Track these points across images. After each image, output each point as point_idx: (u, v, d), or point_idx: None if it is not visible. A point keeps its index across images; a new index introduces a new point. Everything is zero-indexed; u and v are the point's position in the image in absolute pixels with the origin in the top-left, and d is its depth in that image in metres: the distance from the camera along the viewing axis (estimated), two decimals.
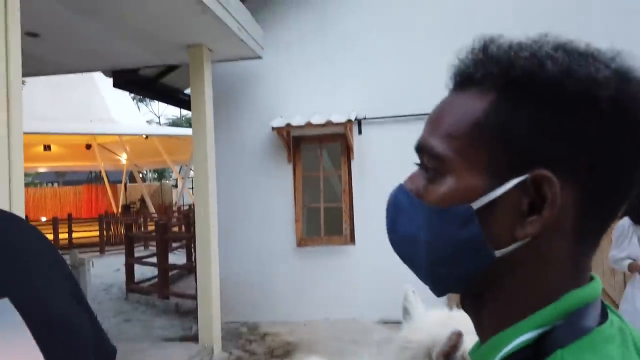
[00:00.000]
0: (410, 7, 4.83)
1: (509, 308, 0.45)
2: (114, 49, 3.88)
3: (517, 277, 0.44)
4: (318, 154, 5.07)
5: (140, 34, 3.58)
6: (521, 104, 0.42)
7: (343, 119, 4.59)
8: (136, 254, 7.23)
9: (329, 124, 4.55)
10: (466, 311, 0.50)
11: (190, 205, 15.95)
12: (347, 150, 4.90)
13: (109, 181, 17.75)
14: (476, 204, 0.43)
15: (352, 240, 4.93)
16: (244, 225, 5.07)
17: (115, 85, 4.91)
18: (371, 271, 4.82)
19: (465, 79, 0.47)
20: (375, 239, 4.84)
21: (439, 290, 0.50)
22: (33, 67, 4.05)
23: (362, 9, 4.93)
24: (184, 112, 29.92)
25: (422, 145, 0.49)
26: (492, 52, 0.46)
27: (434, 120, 0.49)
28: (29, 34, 3.28)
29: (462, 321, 0.75)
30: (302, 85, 5.00)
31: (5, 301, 0.61)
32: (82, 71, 4.68)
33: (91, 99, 14.63)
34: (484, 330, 0.47)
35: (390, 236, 0.54)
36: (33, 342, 0.62)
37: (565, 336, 0.40)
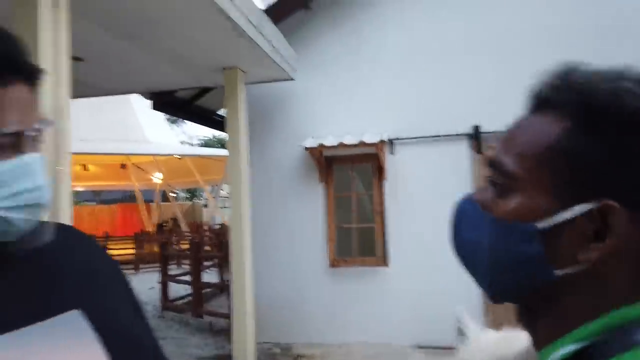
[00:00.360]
0: (443, 28, 4.83)
1: (562, 323, 0.46)
2: (152, 72, 4.00)
3: (574, 295, 0.46)
4: (350, 174, 5.07)
5: (178, 58, 3.68)
6: (596, 135, 0.44)
7: (375, 140, 4.58)
8: (170, 272, 7.33)
9: (361, 144, 4.54)
10: (521, 323, 0.52)
11: (221, 225, 16.14)
12: (380, 171, 4.87)
13: (143, 200, 18.17)
14: (540, 224, 0.45)
15: (385, 261, 4.86)
16: (276, 245, 5.07)
17: (154, 107, 5.06)
18: (405, 294, 4.73)
19: (544, 102, 0.49)
20: (410, 261, 4.76)
21: (495, 297, 0.52)
22: (76, 90, 4.21)
23: (395, 30, 4.95)
24: (216, 132, 30.57)
25: (494, 161, 0.51)
26: (573, 79, 0.47)
27: (508, 138, 0.50)
28: (74, 59, 3.42)
29: (521, 340, 0.72)
30: (334, 106, 5.02)
31: (78, 313, 0.65)
32: (121, 93, 4.84)
33: (127, 120, 15.10)
34: (539, 343, 0.49)
35: (453, 240, 0.56)
36: (101, 351, 0.64)
37: (609, 349, 0.41)
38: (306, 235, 5.01)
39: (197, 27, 3.09)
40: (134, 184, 17.21)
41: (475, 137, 4.61)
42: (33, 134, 0.61)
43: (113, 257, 0.89)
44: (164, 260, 7.05)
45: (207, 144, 27.81)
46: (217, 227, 15.84)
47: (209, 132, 31.16)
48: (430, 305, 4.62)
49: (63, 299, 0.66)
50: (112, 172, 16.57)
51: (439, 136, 4.68)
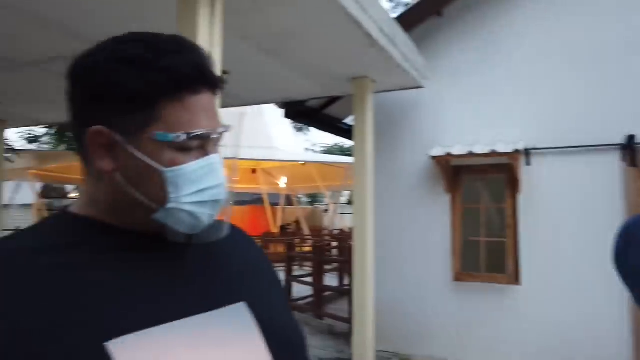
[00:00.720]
0: (580, 32, 4.40)
1: None
2: (287, 83, 4.24)
3: None
4: (479, 185, 4.83)
5: (311, 69, 3.85)
6: None
7: (509, 149, 4.32)
8: (293, 273, 7.66)
9: (493, 154, 4.31)
10: None
11: (339, 230, 16.44)
12: (513, 183, 4.57)
13: (269, 203, 19.27)
14: None
15: (517, 279, 4.54)
16: (399, 253, 5.02)
17: (286, 115, 5.35)
18: (538, 315, 4.37)
19: None
20: (546, 281, 4.38)
21: None
22: (222, 100, 4.64)
23: (530, 35, 4.63)
24: (338, 140, 31.31)
25: None
26: None
27: None
28: (222, 72, 3.77)
29: None
30: (464, 114, 4.84)
31: (243, 305, 0.71)
32: (257, 104, 5.20)
33: (258, 128, 16.18)
34: None
35: (619, 266, 0.54)
36: (264, 345, 0.69)
37: None
38: (430, 246, 4.88)
39: (332, 39, 3.21)
40: (262, 188, 18.36)
41: (629, 148, 4.10)
42: (216, 137, 0.68)
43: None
44: (289, 261, 7.38)
45: (329, 151, 28.61)
46: (337, 232, 16.18)
47: (331, 140, 32.04)
48: (568, 332, 4.20)
49: (231, 290, 0.72)
50: (245, 177, 17.87)
51: (584, 146, 4.25)
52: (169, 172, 0.64)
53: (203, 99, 0.66)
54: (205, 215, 0.67)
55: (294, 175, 16.40)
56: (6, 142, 7.76)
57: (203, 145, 0.66)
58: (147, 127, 0.63)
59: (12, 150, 8.58)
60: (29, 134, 16.03)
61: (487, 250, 4.73)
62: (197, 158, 0.66)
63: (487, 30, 4.81)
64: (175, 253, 0.70)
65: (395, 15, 4.44)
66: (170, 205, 0.65)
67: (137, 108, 0.63)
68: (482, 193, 4.81)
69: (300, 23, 2.96)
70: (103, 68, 0.63)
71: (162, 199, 0.65)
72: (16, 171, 12.16)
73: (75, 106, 0.67)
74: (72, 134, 0.68)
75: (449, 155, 4.48)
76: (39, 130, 14.77)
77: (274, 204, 19.88)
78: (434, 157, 4.58)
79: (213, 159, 0.67)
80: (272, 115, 14.81)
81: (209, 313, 0.66)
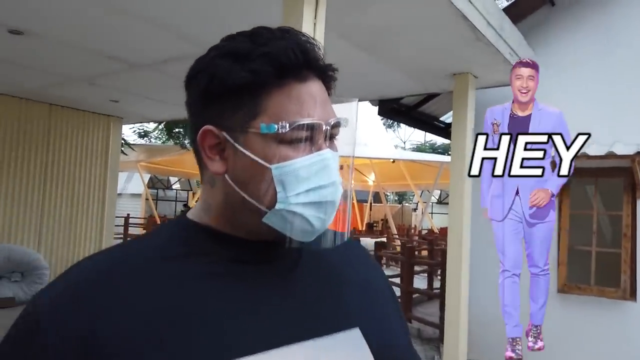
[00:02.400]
0: None
1: None
2: (384, 80, 4.17)
3: None
4: (590, 189, 4.41)
5: (410, 65, 3.75)
6: None
7: (630, 151, 3.88)
8: None
9: (610, 155, 3.90)
10: None
11: (428, 230, 16.01)
12: (633, 188, 4.10)
13: (356, 200, 19.31)
14: None
15: (632, 295, 4.08)
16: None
17: (380, 113, 5.28)
18: None
19: None
20: None
21: None
22: None
23: None
24: (428, 138, 30.54)
25: None
26: None
27: None
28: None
29: None
30: (576, 112, 4.43)
31: (357, 331, 0.65)
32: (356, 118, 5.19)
33: (350, 124, 16.18)
34: None
35: None
36: None
37: None
38: None
39: (433, 33, 3.09)
40: (349, 184, 18.39)
41: None
42: (327, 128, 0.62)
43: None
44: (378, 260, 7.32)
45: (419, 148, 27.99)
46: (425, 231, 15.79)
47: (421, 137, 31.32)
48: None
49: (345, 314, 0.66)
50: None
51: None
52: (276, 169, 0.59)
53: (311, 87, 0.61)
54: (316, 219, 0.61)
55: (382, 172, 16.26)
56: (122, 136, 8.54)
57: (315, 139, 0.61)
58: (253, 121, 0.60)
59: (126, 144, 9.42)
60: (140, 129, 17.54)
61: (598, 261, 4.30)
62: (308, 153, 0.61)
63: (606, 19, 4.36)
64: (287, 267, 0.66)
65: (503, 6, 4.18)
66: (278, 206, 0.60)
67: (242, 102, 0.60)
68: (595, 198, 4.38)
69: (401, 17, 2.88)
70: (209, 65, 0.61)
71: (270, 199, 0.60)
72: (128, 163, 13.37)
73: (190, 111, 0.66)
74: (192, 147, 0.66)
75: None
76: (149, 125, 16.04)
77: (361, 201, 19.88)
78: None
79: (325, 154, 0.61)
80: (364, 111, 14.76)
81: (322, 338, 0.61)
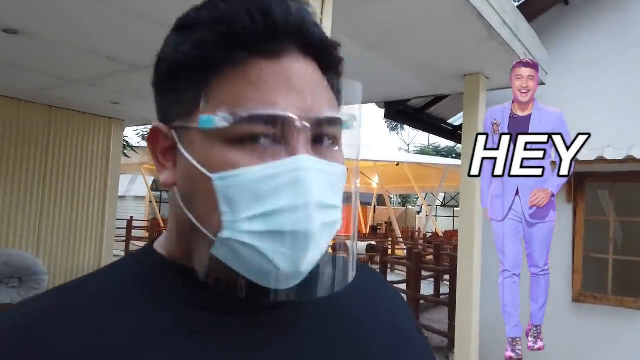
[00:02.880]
0: None
1: None
2: (392, 81, 4.04)
3: None
4: (606, 195, 4.26)
5: (419, 65, 3.62)
6: None
7: None
8: (387, 278, 7.44)
9: (629, 159, 3.75)
10: None
11: (433, 233, 15.88)
12: None
13: (360, 203, 19.18)
14: None
15: None
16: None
17: (386, 115, 5.15)
18: None
19: None
20: None
21: None
22: None
23: None
24: (432, 140, 30.41)
25: None
26: None
27: None
28: None
29: None
30: (591, 114, 4.28)
31: None
32: (359, 103, 5.05)
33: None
34: None
35: None
36: None
37: None
38: None
39: (445, 31, 2.95)
40: (352, 187, 18.27)
41: None
42: (308, 126, 0.43)
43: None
44: (383, 266, 7.17)
45: (423, 151, 27.85)
46: (430, 234, 15.65)
47: (425, 140, 31.18)
48: None
49: None
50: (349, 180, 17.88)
51: None
52: (218, 179, 0.41)
53: (285, 65, 0.43)
54: (281, 256, 0.41)
55: (386, 174, 16.14)
56: (125, 138, 8.46)
57: (287, 139, 0.42)
58: (194, 112, 0.43)
59: (128, 146, 9.34)
60: (144, 132, 17.50)
61: (615, 270, 4.14)
62: (276, 159, 0.42)
63: (622, 17, 4.21)
64: (282, 318, 0.48)
65: (516, 3, 4.05)
66: (224, 233, 0.42)
67: (185, 87, 0.44)
68: (612, 204, 4.23)
69: (411, 14, 2.74)
70: (164, 44, 0.47)
71: (216, 223, 0.42)
72: (132, 165, 13.30)
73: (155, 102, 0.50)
74: None
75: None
76: None
77: (365, 204, 19.74)
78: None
79: (301, 162, 0.41)
80: (366, 113, 14.67)
81: None
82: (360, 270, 0.50)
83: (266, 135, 0.42)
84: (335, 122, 0.45)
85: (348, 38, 3.11)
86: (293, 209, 0.41)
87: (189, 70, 0.43)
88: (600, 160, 3.84)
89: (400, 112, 5.19)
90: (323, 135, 0.45)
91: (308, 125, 0.43)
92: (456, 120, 5.76)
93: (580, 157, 3.96)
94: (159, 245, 0.51)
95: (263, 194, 0.41)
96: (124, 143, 9.04)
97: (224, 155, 0.41)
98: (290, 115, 0.42)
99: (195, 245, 0.45)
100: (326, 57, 0.47)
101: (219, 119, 0.41)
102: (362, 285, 0.55)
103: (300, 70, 0.44)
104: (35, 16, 2.87)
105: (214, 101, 0.42)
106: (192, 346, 0.43)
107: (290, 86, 0.43)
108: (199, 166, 0.42)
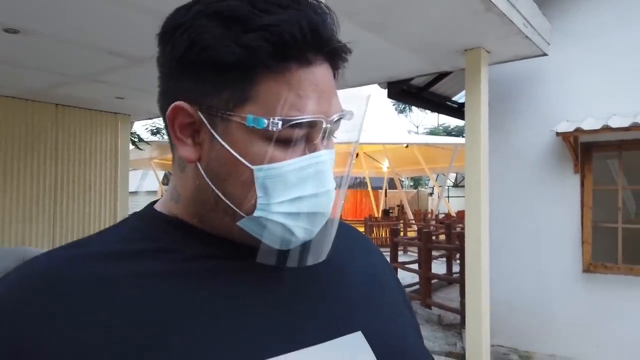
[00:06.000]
0: None
1: None
2: (393, 60, 4.02)
3: None
4: (614, 163, 4.22)
5: (419, 43, 3.60)
6: None
7: None
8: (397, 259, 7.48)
9: (634, 127, 3.71)
10: None
11: (445, 214, 15.85)
12: None
13: (371, 187, 19.16)
14: None
15: None
16: (517, 241, 4.60)
17: (389, 96, 5.13)
18: None
19: None
20: None
21: None
22: None
23: None
24: (441, 121, 30.16)
25: None
26: None
27: None
28: None
29: None
30: (596, 83, 4.24)
31: (359, 335, 0.55)
32: (361, 85, 5.03)
33: (359, 110, 16.02)
34: None
35: None
36: None
37: None
38: (554, 233, 4.39)
39: (442, 5, 2.93)
40: (365, 172, 18.28)
41: None
42: (329, 126, 0.51)
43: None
44: (393, 246, 7.20)
45: (432, 132, 27.64)
46: (442, 215, 15.62)
47: (434, 121, 30.96)
48: None
49: (344, 317, 0.56)
50: (345, 160, 17.89)
51: None
52: (259, 171, 0.49)
53: (316, 73, 0.49)
54: (301, 229, 0.51)
55: (396, 157, 16.07)
56: (134, 133, 8.55)
57: (310, 137, 0.51)
58: (237, 108, 0.48)
59: (140, 140, 9.43)
60: (153, 126, 17.62)
61: (625, 239, 4.13)
62: (301, 154, 0.50)
63: None
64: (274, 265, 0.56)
65: None
66: (257, 213, 0.50)
67: (226, 81, 0.48)
68: (620, 173, 4.20)
69: None
70: (191, 25, 0.48)
71: (249, 204, 0.50)
72: (142, 161, 13.44)
73: (161, 72, 0.53)
74: (161, 114, 0.54)
75: (578, 130, 3.95)
76: (161, 122, 16.10)
77: (376, 188, 19.73)
78: (559, 134, 4.07)
79: (321, 156, 0.51)
80: (374, 96, 14.56)
81: (313, 347, 0.51)
82: (343, 225, 0.62)
83: (301, 135, 0.50)
84: (342, 118, 0.53)
85: (348, 20, 3.11)
86: (315, 195, 0.50)
87: (232, 68, 0.47)
88: (606, 128, 3.80)
89: (403, 92, 5.17)
90: (333, 130, 0.53)
91: (330, 126, 0.51)
92: (460, 97, 5.72)
93: (585, 126, 3.94)
94: (160, 206, 0.58)
95: (292, 183, 0.49)
96: (136, 137, 9.15)
97: (264, 151, 0.49)
98: (322, 119, 0.50)
99: (214, 213, 0.53)
100: (340, 61, 0.53)
101: (271, 123, 0.47)
102: (342, 239, 0.61)
103: (325, 76, 0.51)
104: (35, 14, 2.91)
105: (257, 103, 0.48)
106: (196, 290, 0.50)
107: (319, 92, 0.50)
108: (239, 157, 0.49)
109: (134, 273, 0.49)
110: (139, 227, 0.56)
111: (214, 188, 0.51)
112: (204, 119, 0.50)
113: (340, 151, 0.59)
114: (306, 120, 0.48)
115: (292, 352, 0.49)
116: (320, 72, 0.50)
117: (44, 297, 0.46)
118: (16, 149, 5.10)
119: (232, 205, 0.51)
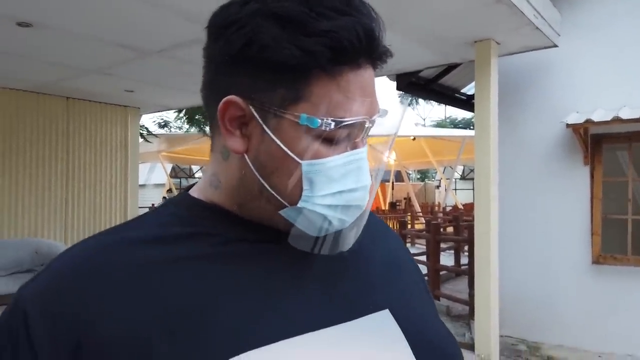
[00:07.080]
0: None
1: None
2: (402, 53, 4.01)
3: None
4: (624, 155, 4.21)
5: (429, 35, 3.59)
6: None
7: None
8: None
9: None
10: None
11: (453, 207, 15.82)
12: None
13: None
14: None
15: None
16: (527, 233, 4.60)
17: (399, 88, 5.13)
18: None
19: None
20: None
21: None
22: None
23: None
24: (448, 113, 30.03)
25: None
26: None
27: None
28: None
29: None
30: (606, 74, 4.21)
31: (387, 312, 0.58)
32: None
33: None
34: None
35: None
36: (412, 356, 0.57)
37: None
38: (563, 225, 4.39)
39: None
40: (370, 164, 18.23)
41: None
42: (370, 125, 0.54)
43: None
44: (402, 238, 7.21)
45: (439, 124, 27.53)
46: (450, 208, 15.59)
47: (441, 113, 30.81)
48: None
49: (371, 295, 0.61)
50: (378, 156, 17.81)
51: None
52: (307, 165, 0.52)
53: (364, 75, 0.52)
54: (339, 220, 0.55)
55: (403, 150, 16.03)
56: (142, 126, 8.60)
57: (352, 135, 0.54)
58: (291, 106, 0.51)
59: (148, 133, 9.48)
60: (160, 120, 17.68)
61: (635, 230, 4.12)
62: (343, 151, 0.53)
63: None
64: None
65: None
66: (301, 204, 0.53)
67: (282, 80, 0.50)
68: (630, 164, 4.18)
69: None
70: (248, 23, 0.50)
71: (293, 195, 0.53)
72: (150, 154, 13.51)
73: (210, 68, 0.56)
74: (204, 103, 0.57)
75: (588, 122, 3.94)
76: (170, 115, 16.14)
77: (383, 181, 19.72)
78: (569, 125, 4.06)
79: (362, 153, 0.55)
80: (380, 88, 14.47)
81: (345, 324, 0.55)
82: (370, 217, 0.65)
83: (346, 135, 0.53)
84: (380, 117, 0.56)
85: None
86: (355, 190, 0.54)
87: (290, 69, 0.50)
88: (617, 120, 3.79)
89: (412, 84, 5.17)
90: (369, 128, 0.56)
91: (372, 125, 0.55)
92: (469, 89, 5.70)
93: (595, 118, 3.93)
94: (197, 192, 0.61)
95: (335, 178, 0.53)
96: (144, 130, 9.20)
97: (311, 147, 0.52)
98: (367, 120, 0.53)
99: (257, 202, 0.56)
100: (382, 64, 0.55)
101: (324, 124, 0.50)
102: (365, 224, 0.65)
103: (370, 78, 0.54)
104: (47, 8, 2.94)
105: (309, 102, 0.51)
106: (235, 271, 0.54)
107: (365, 94, 0.53)
108: (289, 152, 0.52)
109: (176, 256, 0.53)
110: (177, 212, 0.59)
111: (260, 179, 0.54)
112: (255, 114, 0.52)
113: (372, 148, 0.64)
114: (353, 122, 0.52)
115: (327, 328, 0.53)
116: (367, 74, 0.53)
117: (95, 280, 0.51)
118: (28, 142, 5.16)
119: (277, 196, 0.54)
